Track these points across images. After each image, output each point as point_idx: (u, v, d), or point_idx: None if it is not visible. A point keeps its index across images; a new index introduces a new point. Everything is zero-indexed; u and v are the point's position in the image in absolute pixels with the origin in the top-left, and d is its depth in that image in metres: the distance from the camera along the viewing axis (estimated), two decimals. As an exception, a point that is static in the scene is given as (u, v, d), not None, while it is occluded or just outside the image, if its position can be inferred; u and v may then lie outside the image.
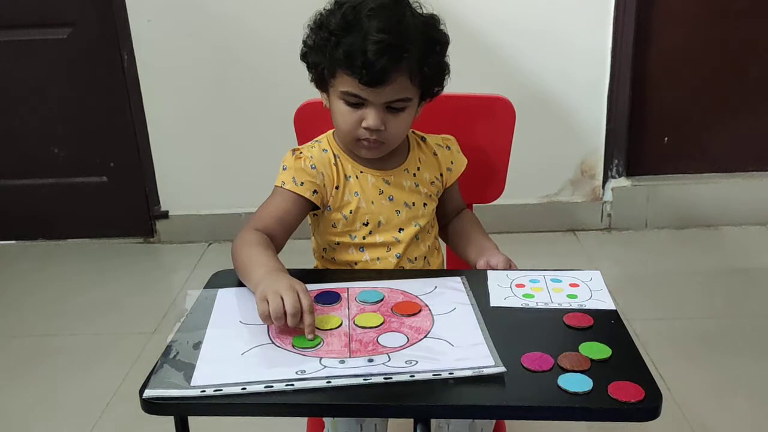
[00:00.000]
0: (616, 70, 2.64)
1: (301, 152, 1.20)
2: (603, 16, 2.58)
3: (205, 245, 2.83)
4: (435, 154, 1.26)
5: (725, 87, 2.73)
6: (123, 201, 2.88)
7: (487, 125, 1.36)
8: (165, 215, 2.86)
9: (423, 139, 1.27)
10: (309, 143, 1.24)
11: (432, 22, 1.12)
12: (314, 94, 1.33)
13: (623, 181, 2.81)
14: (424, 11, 1.13)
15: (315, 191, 1.17)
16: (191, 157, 2.78)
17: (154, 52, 2.64)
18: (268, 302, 0.92)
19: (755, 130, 2.78)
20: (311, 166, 1.17)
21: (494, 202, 1.40)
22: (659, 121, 2.78)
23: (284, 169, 1.18)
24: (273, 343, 0.90)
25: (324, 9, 1.13)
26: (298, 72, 1.19)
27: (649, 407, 0.78)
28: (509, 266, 1.14)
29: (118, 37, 2.63)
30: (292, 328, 0.92)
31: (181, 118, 2.72)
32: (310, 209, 1.19)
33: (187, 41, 2.62)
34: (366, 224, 1.19)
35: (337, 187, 1.18)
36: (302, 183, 1.16)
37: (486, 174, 1.37)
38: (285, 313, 0.90)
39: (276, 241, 1.13)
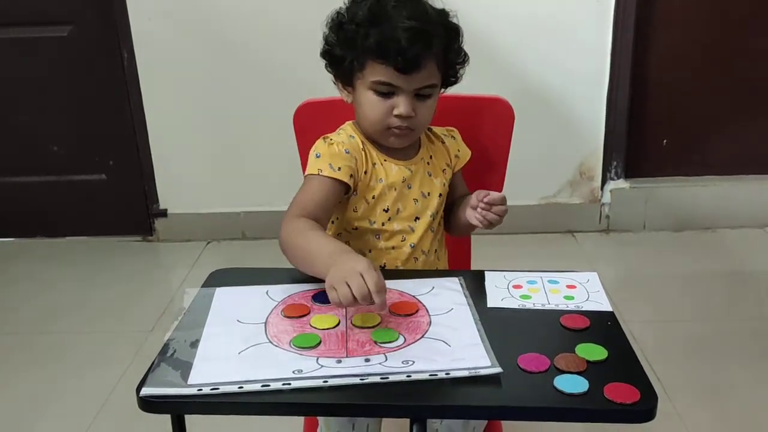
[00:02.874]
0: (615, 72, 2.64)
1: (332, 139, 1.20)
2: (603, 19, 2.58)
3: (203, 244, 2.83)
4: (443, 142, 1.29)
5: (724, 90, 2.73)
6: (122, 199, 2.88)
7: (486, 126, 1.37)
8: (164, 214, 2.86)
9: (429, 129, 1.30)
10: (334, 132, 1.24)
11: (446, 13, 1.17)
12: (313, 93, 1.34)
13: (622, 183, 2.81)
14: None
15: (351, 175, 1.17)
16: (190, 155, 2.78)
17: (154, 51, 2.64)
18: (336, 290, 0.91)
19: (754, 133, 2.79)
20: (345, 150, 1.18)
21: (493, 203, 1.41)
22: (658, 123, 2.78)
23: (317, 156, 1.17)
24: (270, 342, 0.90)
25: (341, 8, 1.16)
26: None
27: (645, 409, 0.78)
28: (503, 200, 1.15)
29: (118, 36, 2.63)
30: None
31: (181, 117, 2.73)
32: (343, 194, 1.19)
33: (188, 40, 2.62)
34: (386, 210, 1.20)
35: (365, 172, 1.20)
36: (339, 168, 1.16)
37: (484, 175, 1.37)
38: (355, 297, 0.90)
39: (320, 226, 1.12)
